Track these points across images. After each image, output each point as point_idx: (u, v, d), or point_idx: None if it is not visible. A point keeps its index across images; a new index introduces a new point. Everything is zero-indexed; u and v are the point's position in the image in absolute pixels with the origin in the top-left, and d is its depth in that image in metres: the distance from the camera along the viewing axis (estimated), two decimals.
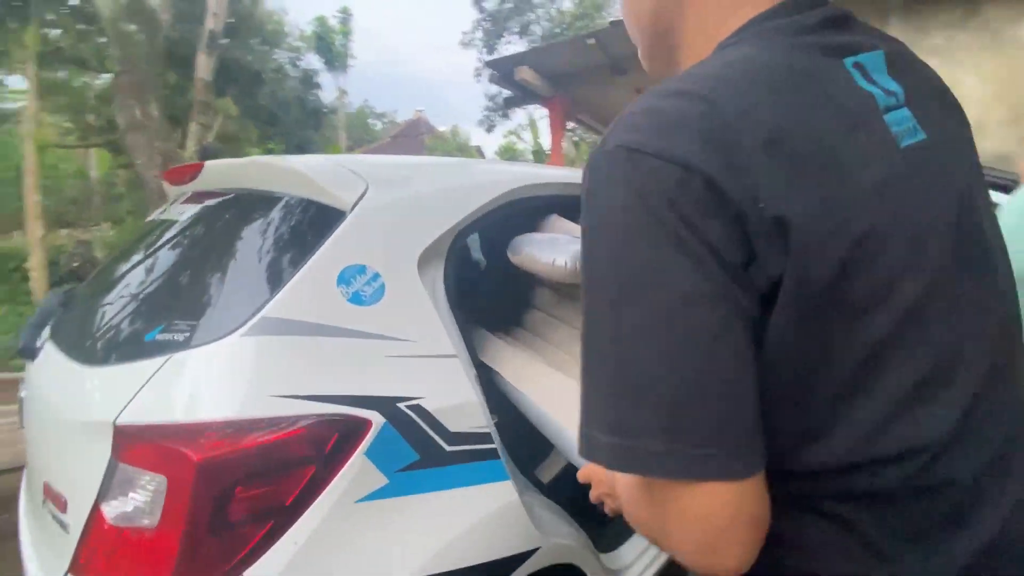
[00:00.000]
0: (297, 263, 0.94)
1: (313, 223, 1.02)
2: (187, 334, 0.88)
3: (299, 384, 0.83)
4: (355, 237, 1.00)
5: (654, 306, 0.35)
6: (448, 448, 0.95)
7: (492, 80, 5.36)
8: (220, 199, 1.18)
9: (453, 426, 0.96)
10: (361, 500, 0.84)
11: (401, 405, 0.90)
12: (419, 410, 0.92)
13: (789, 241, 0.34)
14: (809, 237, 0.35)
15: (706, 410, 0.34)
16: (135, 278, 1.12)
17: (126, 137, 3.98)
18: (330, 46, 15.62)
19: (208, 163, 1.21)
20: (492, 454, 1.02)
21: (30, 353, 1.17)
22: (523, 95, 5.61)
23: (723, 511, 0.35)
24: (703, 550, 0.36)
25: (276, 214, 1.06)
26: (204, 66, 4.27)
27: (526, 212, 1.53)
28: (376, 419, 0.86)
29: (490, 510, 0.99)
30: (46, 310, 1.26)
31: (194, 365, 0.83)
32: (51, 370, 1.06)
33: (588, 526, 1.27)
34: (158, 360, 0.85)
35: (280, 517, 0.77)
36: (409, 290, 1.01)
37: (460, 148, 19.08)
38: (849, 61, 0.41)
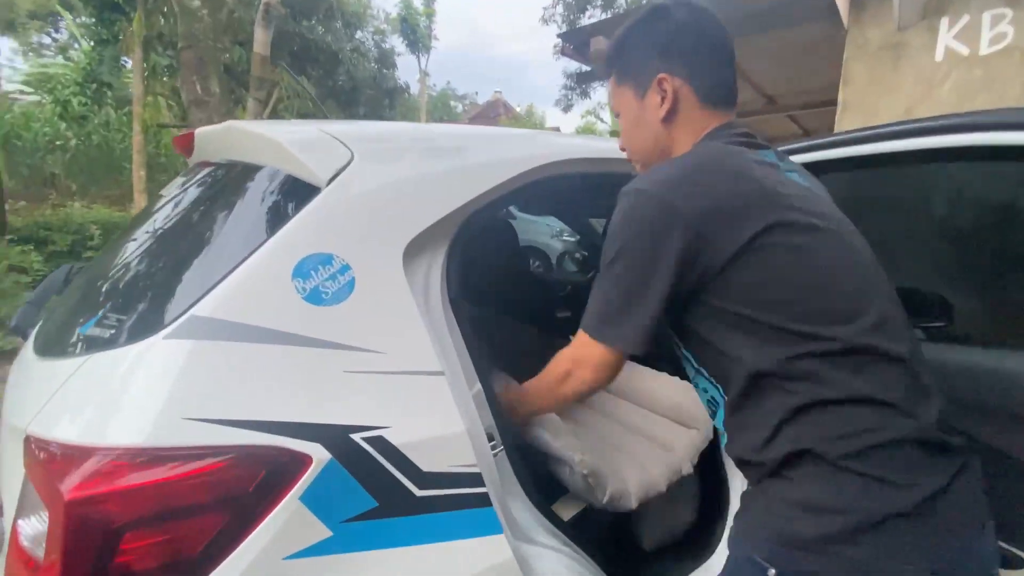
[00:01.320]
0: (249, 249, 0.77)
1: (280, 201, 0.84)
2: (114, 330, 0.74)
3: (224, 405, 0.65)
4: (326, 218, 0.80)
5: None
6: (419, 493, 0.74)
7: (565, 54, 5.01)
8: (208, 171, 1.04)
9: (428, 464, 0.75)
10: (292, 557, 0.65)
11: (355, 437, 0.70)
12: (380, 443, 0.72)
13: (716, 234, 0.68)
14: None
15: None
16: (109, 258, 1.02)
17: (189, 113, 4.15)
18: (414, 28, 15.78)
19: (199, 132, 1.07)
20: (481, 500, 0.80)
21: (21, 332, 1.11)
22: (599, 69, 5.22)
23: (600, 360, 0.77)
24: (591, 374, 0.80)
25: (246, 189, 0.90)
26: (261, 40, 4.32)
27: (560, 192, 1.27)
28: (318, 454, 0.67)
29: (474, 572, 0.78)
30: (48, 286, 1.19)
31: (108, 370, 0.68)
32: (21, 357, 0.99)
33: (614, 571, 1.04)
34: (78, 360, 0.72)
35: (183, 574, 0.60)
36: (388, 288, 0.80)
37: (535, 128, 18.72)
38: (763, 153, 0.77)
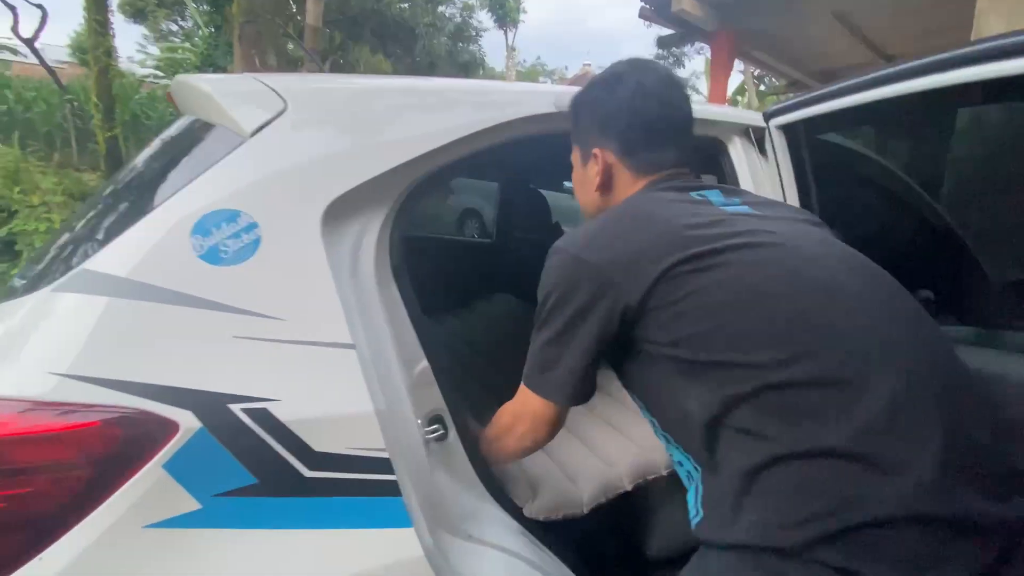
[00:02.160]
0: (155, 204, 0.73)
1: (202, 155, 0.80)
2: (26, 280, 0.74)
3: (95, 363, 0.62)
4: (240, 173, 0.75)
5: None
6: (307, 474, 0.68)
7: (643, 16, 4.63)
8: (173, 127, 1.03)
9: (321, 444, 0.68)
10: (154, 526, 0.62)
11: (234, 407, 0.65)
12: (263, 417, 0.66)
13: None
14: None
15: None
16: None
17: None
18: (502, 3, 15.60)
19: (171, 89, 1.07)
20: (387, 488, 0.72)
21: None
22: (682, 32, 4.77)
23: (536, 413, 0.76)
24: (517, 440, 0.81)
25: (180, 144, 0.87)
26: (313, 13, 4.42)
27: (544, 157, 1.14)
28: (186, 422, 0.62)
29: (370, 567, 0.70)
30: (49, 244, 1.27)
31: (3, 317, 0.68)
32: None
33: None
34: None
35: (30, 533, 0.59)
36: (298, 250, 0.73)
37: None
38: (694, 194, 0.74)
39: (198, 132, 0.86)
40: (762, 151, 1.19)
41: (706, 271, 0.62)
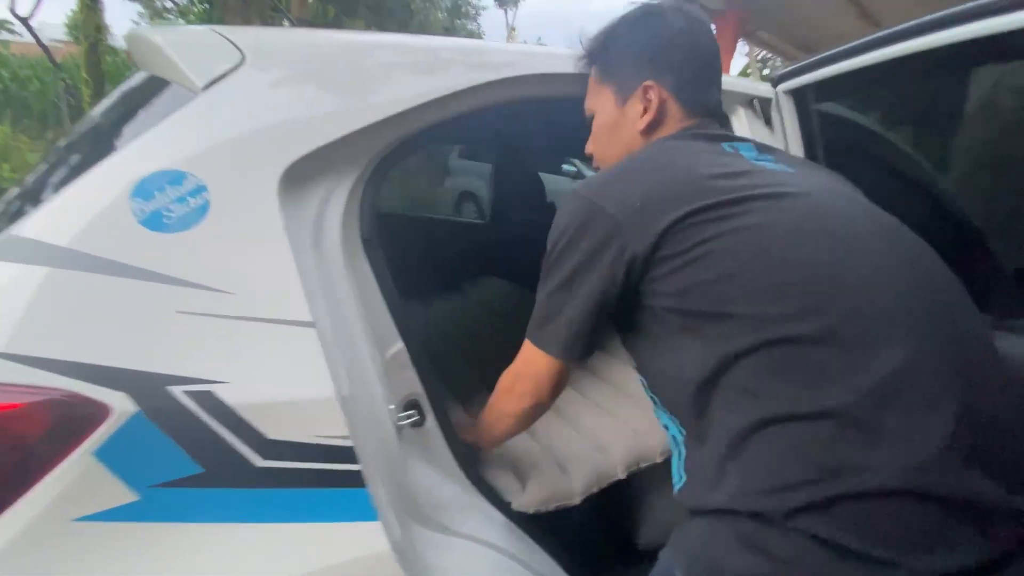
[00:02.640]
0: (94, 163, 0.66)
1: (148, 110, 0.72)
2: None
3: (20, 340, 0.56)
4: (189, 130, 0.68)
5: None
6: (260, 463, 0.61)
7: None
8: (132, 80, 0.95)
9: (275, 431, 0.62)
10: (86, 519, 0.56)
11: (175, 390, 0.58)
12: (208, 400, 0.59)
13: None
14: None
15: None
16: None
17: None
18: None
19: (127, 43, 0.99)
20: (350, 479, 0.66)
21: None
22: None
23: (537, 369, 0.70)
24: (517, 397, 0.75)
25: (128, 101, 0.80)
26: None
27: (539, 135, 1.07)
28: (120, 405, 0.56)
29: (330, 564, 0.65)
30: None
31: None
32: None
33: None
34: None
35: None
36: (252, 216, 0.66)
37: None
38: (726, 145, 0.68)
39: (151, 87, 0.79)
40: (769, 125, 1.12)
41: (723, 220, 0.57)
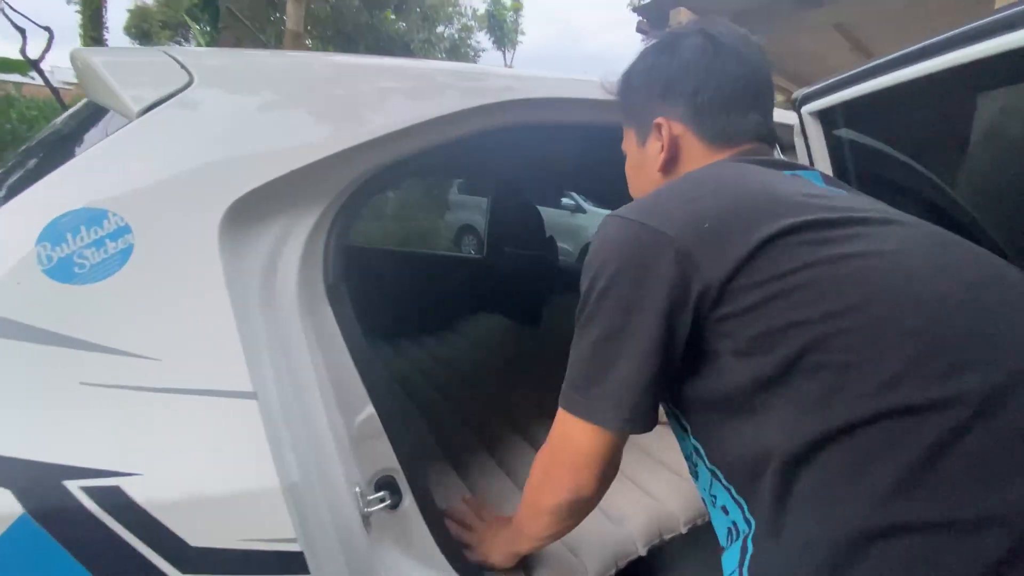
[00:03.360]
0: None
1: (78, 141, 0.62)
2: None
3: None
4: (116, 162, 0.57)
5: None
6: None
7: (640, 30, 4.52)
8: (71, 110, 0.86)
9: (200, 536, 0.49)
10: None
11: (72, 485, 0.45)
12: (112, 498, 0.46)
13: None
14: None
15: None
16: None
17: None
18: (501, 24, 15.73)
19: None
20: None
21: None
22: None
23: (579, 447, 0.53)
24: (567, 473, 0.55)
25: (65, 128, 0.69)
26: (293, 17, 4.33)
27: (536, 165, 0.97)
28: (3, 506, 0.43)
29: None
30: None
31: None
32: None
33: None
34: None
35: None
36: (185, 263, 0.55)
37: None
38: (788, 172, 0.58)
39: (87, 115, 0.69)
40: (787, 152, 1.02)
41: (828, 244, 0.45)
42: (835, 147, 0.81)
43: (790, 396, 0.43)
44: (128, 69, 0.64)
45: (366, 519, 0.63)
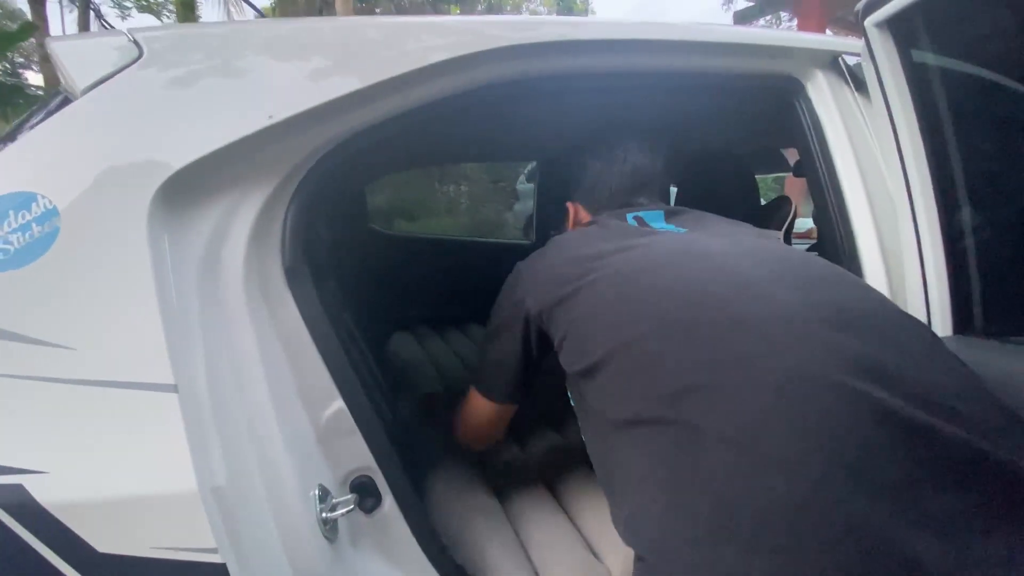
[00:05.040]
0: None
1: (27, 126, 0.60)
2: None
3: None
4: (51, 143, 0.54)
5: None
6: None
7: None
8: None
9: (108, 542, 0.44)
10: None
11: None
12: (15, 498, 0.43)
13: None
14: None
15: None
16: None
17: None
18: (571, 6, 15.32)
19: None
20: None
21: None
22: (764, 1, 4.18)
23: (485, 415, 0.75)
24: (472, 433, 0.80)
25: (25, 118, 0.69)
26: (342, 11, 4.35)
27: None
28: None
29: None
30: None
31: None
32: None
33: None
34: None
35: None
36: (109, 247, 0.51)
37: None
38: (630, 215, 0.75)
39: (51, 104, 0.68)
40: (862, 89, 0.81)
41: (604, 286, 0.59)
42: (916, 72, 0.61)
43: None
44: (81, 50, 0.61)
45: (326, 525, 0.56)
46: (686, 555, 0.40)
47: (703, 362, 0.46)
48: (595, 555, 0.79)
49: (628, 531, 0.48)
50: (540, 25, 0.71)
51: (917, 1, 0.52)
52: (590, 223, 0.78)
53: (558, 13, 15.29)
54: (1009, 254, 0.63)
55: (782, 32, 0.90)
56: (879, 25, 0.59)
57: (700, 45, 0.78)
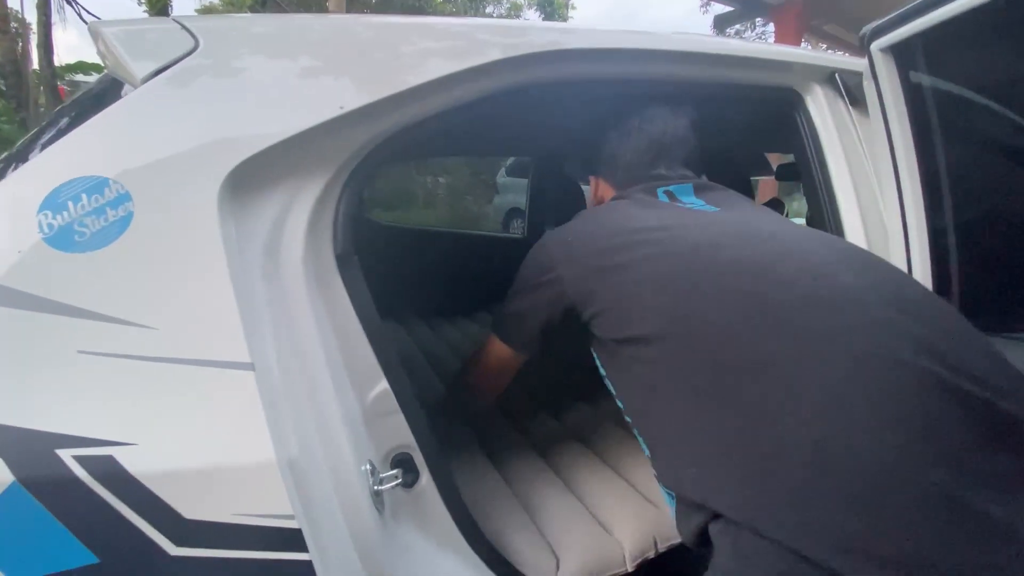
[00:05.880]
0: (7, 172, 0.55)
1: (82, 112, 0.61)
2: None
3: None
4: (119, 130, 0.56)
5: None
6: (175, 551, 0.47)
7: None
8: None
9: (195, 509, 0.47)
10: None
11: (64, 453, 0.45)
12: (106, 468, 0.45)
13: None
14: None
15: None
16: None
17: None
18: (551, 1, 15.34)
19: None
20: (297, 574, 0.50)
21: None
22: (743, 7, 4.32)
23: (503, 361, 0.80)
24: (483, 376, 0.85)
25: (82, 102, 0.70)
26: (334, 5, 4.30)
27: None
28: None
29: None
30: None
31: None
32: None
33: None
34: None
35: None
36: (183, 232, 0.53)
37: None
38: (660, 190, 0.75)
39: (101, 89, 0.69)
40: (856, 104, 0.89)
41: (642, 262, 0.62)
42: (914, 95, 0.68)
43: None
44: (136, 38, 0.62)
45: (377, 497, 0.60)
46: (777, 514, 0.44)
47: (780, 335, 0.49)
48: (606, 530, 0.85)
49: (696, 488, 0.51)
50: (574, 32, 0.76)
51: (919, 32, 0.59)
52: (617, 198, 0.78)
53: (538, 11, 15.28)
54: (990, 260, 0.71)
55: (786, 48, 0.97)
56: (884, 50, 0.66)
57: (714, 57, 0.84)
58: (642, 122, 0.82)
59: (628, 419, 0.66)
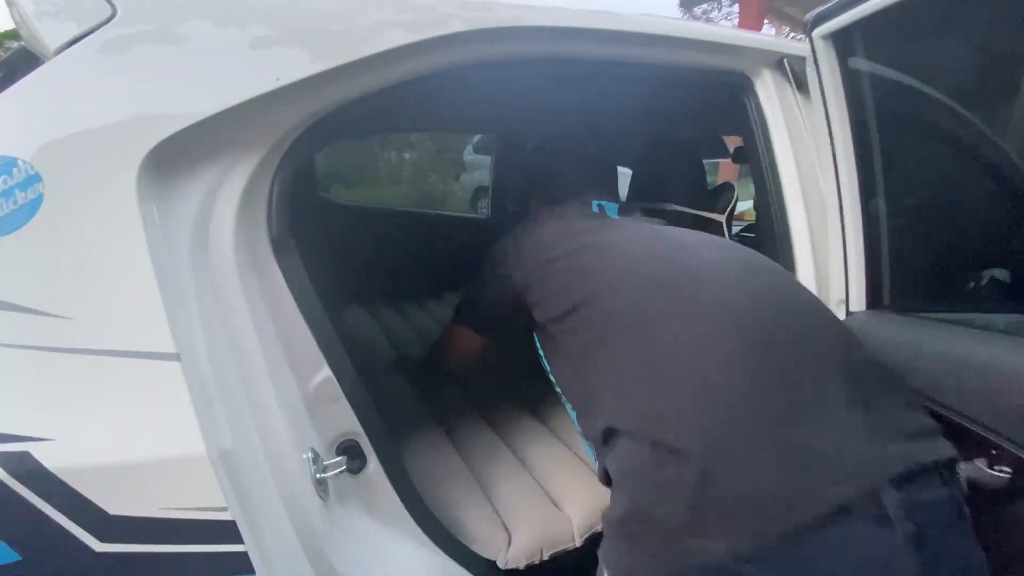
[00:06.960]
0: None
1: None
2: None
3: None
4: (29, 105, 0.52)
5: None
6: (100, 548, 0.45)
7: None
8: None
9: (120, 504, 0.46)
10: None
11: None
12: (23, 464, 0.43)
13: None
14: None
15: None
16: None
17: None
18: None
19: None
20: (230, 566, 0.49)
21: None
22: None
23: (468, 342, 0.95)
24: (458, 358, 1.00)
25: None
26: None
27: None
28: None
29: None
30: None
31: None
32: None
33: None
34: None
35: None
36: (100, 215, 0.50)
37: None
38: (594, 203, 0.92)
39: (15, 61, 0.63)
40: (802, 89, 0.91)
41: (574, 263, 0.75)
42: (852, 81, 0.70)
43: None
44: (48, 5, 0.57)
45: (320, 485, 0.60)
46: (660, 418, 0.55)
47: (663, 299, 0.63)
48: (556, 506, 0.87)
49: (607, 418, 0.60)
50: (537, 10, 0.74)
51: (858, 19, 0.60)
52: (558, 208, 0.93)
53: None
54: (917, 241, 0.74)
55: (737, 31, 0.97)
56: (824, 37, 0.67)
57: (665, 39, 0.83)
58: (578, 148, 1.03)
59: (559, 390, 0.78)
